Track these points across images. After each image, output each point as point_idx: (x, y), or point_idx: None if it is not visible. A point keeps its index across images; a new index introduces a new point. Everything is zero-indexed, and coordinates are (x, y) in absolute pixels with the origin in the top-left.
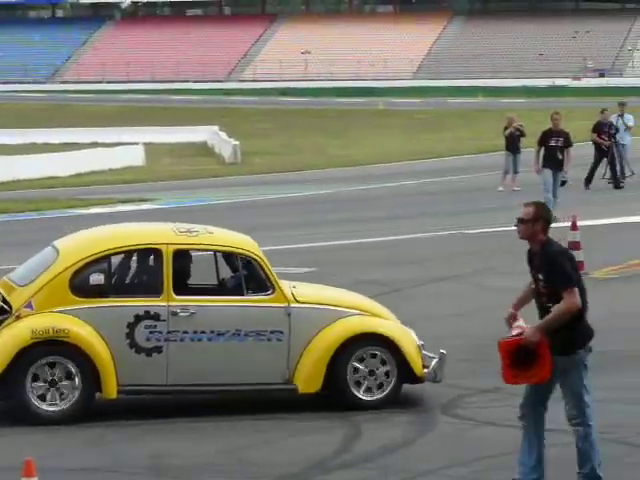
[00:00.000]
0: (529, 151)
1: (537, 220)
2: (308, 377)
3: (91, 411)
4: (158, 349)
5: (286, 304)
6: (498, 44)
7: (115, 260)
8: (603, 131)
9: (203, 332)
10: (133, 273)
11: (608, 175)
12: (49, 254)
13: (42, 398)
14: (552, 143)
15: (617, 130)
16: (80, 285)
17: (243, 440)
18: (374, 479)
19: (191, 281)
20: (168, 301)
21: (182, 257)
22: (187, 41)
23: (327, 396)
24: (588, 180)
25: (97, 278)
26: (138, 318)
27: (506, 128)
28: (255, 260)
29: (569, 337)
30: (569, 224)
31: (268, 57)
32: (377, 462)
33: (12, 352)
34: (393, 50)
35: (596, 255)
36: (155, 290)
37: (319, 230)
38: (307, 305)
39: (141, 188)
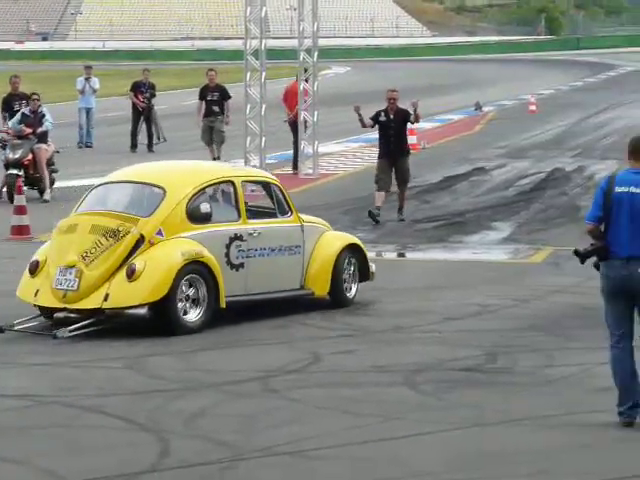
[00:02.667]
0: None
1: None
2: (319, 282)
3: None
4: (242, 265)
5: (300, 223)
6: None
7: (209, 191)
8: (140, 91)
9: (264, 249)
10: (220, 202)
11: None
12: (148, 189)
13: (184, 312)
14: (16, 107)
15: (151, 93)
16: (193, 213)
17: None
18: None
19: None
20: (245, 224)
21: (245, 187)
22: None
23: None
24: (134, 143)
25: (205, 207)
26: (231, 240)
27: None
28: (280, 188)
29: None
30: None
31: None
32: None
33: (173, 271)
34: None
35: (44, 219)
36: (235, 216)
37: None
38: (308, 223)
39: None
